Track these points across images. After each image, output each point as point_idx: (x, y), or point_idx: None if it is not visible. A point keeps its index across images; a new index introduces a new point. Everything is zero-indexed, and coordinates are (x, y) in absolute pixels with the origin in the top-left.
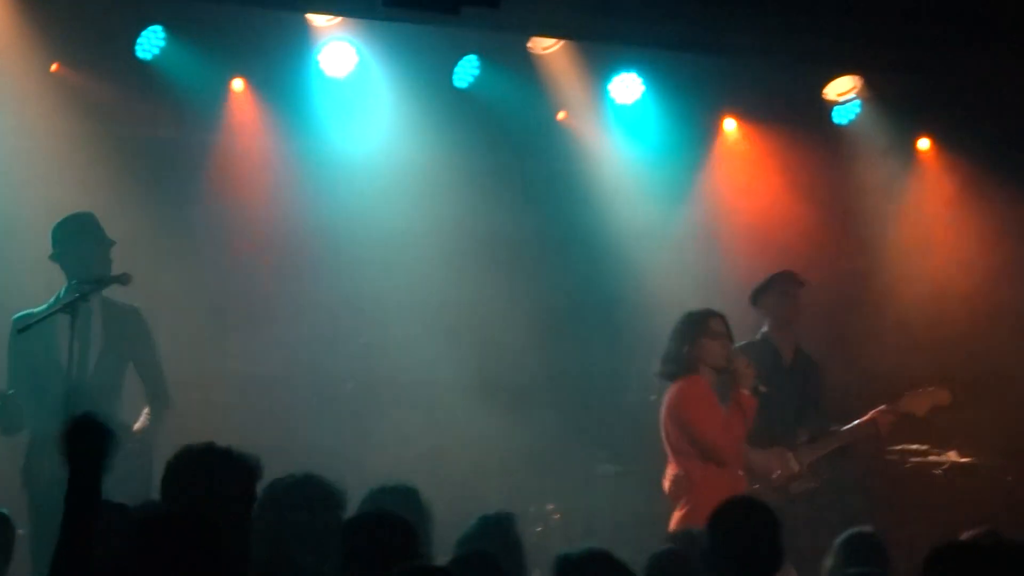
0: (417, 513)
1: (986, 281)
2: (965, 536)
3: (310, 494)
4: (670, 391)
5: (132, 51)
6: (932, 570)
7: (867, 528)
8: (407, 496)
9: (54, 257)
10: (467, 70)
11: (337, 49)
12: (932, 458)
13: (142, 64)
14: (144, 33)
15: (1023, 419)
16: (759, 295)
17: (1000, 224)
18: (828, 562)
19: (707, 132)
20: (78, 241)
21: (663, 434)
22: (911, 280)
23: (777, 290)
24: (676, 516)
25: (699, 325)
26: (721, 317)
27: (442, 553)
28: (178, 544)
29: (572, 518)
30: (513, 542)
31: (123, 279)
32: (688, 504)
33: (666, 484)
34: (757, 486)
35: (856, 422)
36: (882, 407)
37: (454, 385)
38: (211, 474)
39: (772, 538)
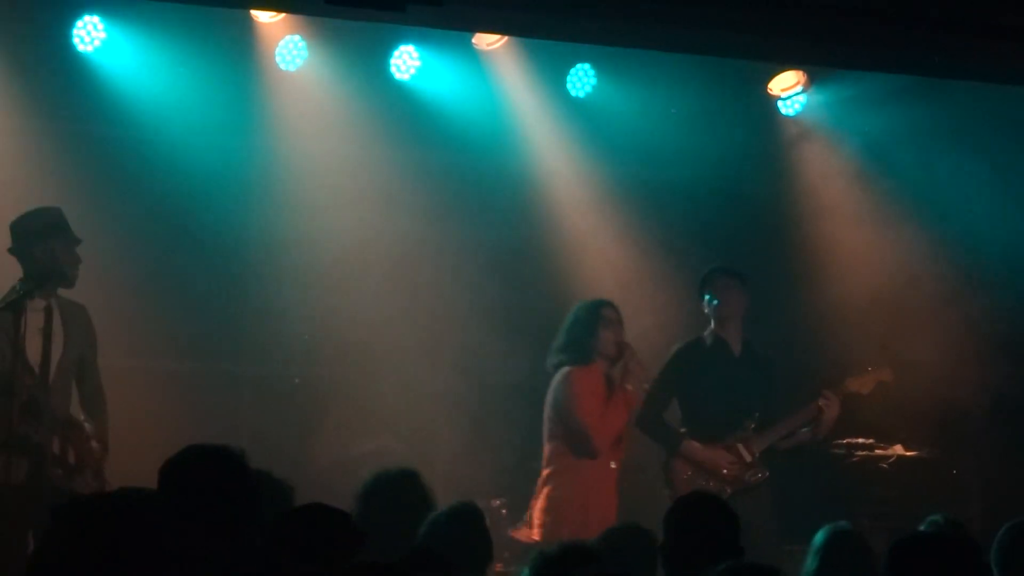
0: (419, 497)
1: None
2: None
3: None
4: (557, 377)
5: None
6: (897, 563)
7: (845, 524)
8: (409, 480)
9: (14, 251)
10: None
11: (288, 44)
12: (878, 452)
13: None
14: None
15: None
16: (700, 291)
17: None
18: (809, 564)
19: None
20: (45, 237)
21: (544, 419)
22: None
23: (715, 285)
24: (539, 505)
25: (593, 314)
26: (613, 306)
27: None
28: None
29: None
30: (480, 532)
31: (71, 280)
32: (555, 491)
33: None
34: (712, 483)
35: (801, 409)
36: (826, 391)
37: (405, 383)
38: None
39: (729, 532)
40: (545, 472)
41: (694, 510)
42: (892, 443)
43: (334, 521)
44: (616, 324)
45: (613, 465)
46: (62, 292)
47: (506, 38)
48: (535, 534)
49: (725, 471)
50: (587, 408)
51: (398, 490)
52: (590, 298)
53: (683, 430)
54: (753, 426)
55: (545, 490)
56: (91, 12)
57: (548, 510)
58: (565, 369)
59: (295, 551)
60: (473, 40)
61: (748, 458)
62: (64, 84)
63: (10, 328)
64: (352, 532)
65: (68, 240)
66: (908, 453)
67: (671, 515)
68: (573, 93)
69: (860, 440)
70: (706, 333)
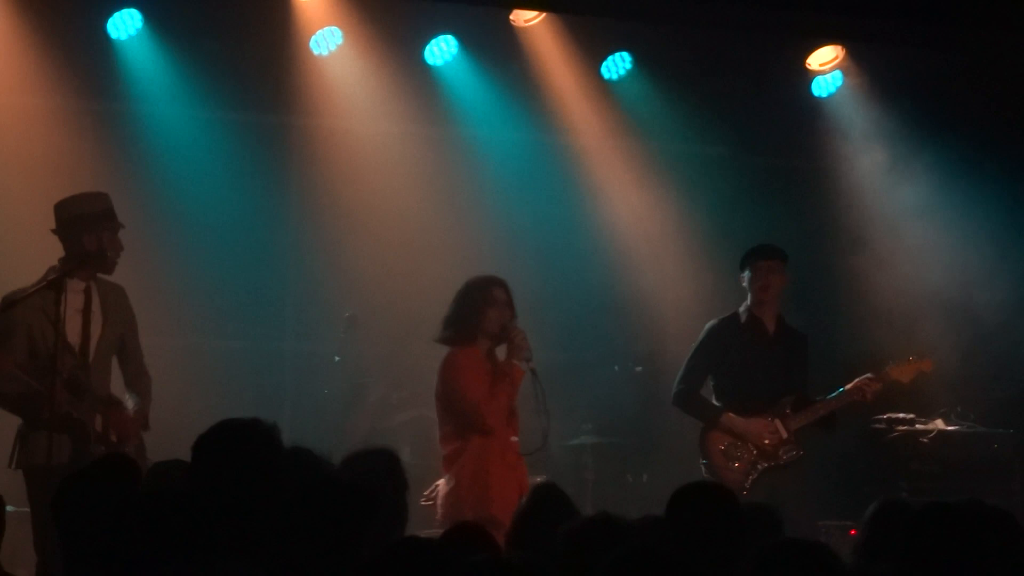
0: (395, 476)
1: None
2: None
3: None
4: (444, 358)
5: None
6: (918, 532)
7: (901, 495)
8: (387, 459)
9: (60, 233)
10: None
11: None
12: (919, 426)
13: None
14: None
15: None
16: (741, 268)
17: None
18: (862, 537)
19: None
20: (95, 224)
21: (435, 401)
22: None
23: (756, 263)
24: (442, 485)
25: (481, 293)
26: (503, 286)
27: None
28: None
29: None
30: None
31: (109, 267)
32: (457, 470)
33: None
34: (747, 456)
35: (842, 389)
36: (868, 375)
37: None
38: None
39: (731, 519)
40: (445, 452)
41: (698, 497)
42: (932, 418)
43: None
44: (503, 305)
45: (514, 439)
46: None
47: (543, 15)
48: (439, 514)
49: (766, 442)
50: (474, 387)
51: (377, 470)
52: (482, 275)
53: (715, 402)
54: (789, 404)
55: (448, 469)
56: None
57: (450, 492)
58: (448, 351)
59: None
60: (511, 17)
61: (784, 435)
62: (99, 67)
63: (51, 308)
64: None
65: (114, 228)
66: (948, 428)
67: (674, 501)
68: (607, 76)
69: (901, 415)
70: (741, 309)
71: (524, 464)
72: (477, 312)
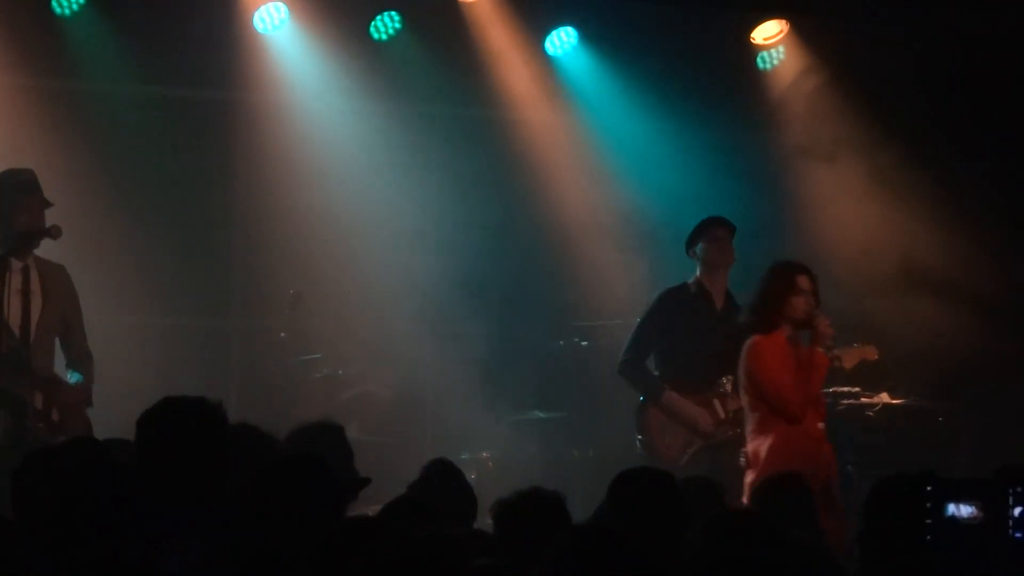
0: (340, 450)
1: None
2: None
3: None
4: (747, 345)
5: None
6: (876, 502)
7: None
8: (332, 433)
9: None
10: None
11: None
12: (864, 400)
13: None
14: None
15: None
16: (690, 241)
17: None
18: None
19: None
20: (13, 196)
21: (742, 392)
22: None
23: (707, 235)
24: (749, 474)
25: (785, 280)
26: (808, 273)
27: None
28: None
29: (504, 464)
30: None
31: (53, 232)
32: (761, 461)
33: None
34: (683, 434)
35: None
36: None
37: (383, 330)
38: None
39: (674, 505)
40: (754, 438)
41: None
42: (878, 392)
43: (319, 473)
44: (808, 293)
45: (820, 425)
46: (45, 252)
47: None
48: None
49: (702, 423)
50: (778, 375)
51: (322, 444)
52: (786, 260)
53: (656, 373)
54: (730, 383)
55: (758, 457)
56: None
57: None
58: (751, 339)
59: (277, 503)
60: None
61: (722, 415)
62: (42, 44)
63: None
64: (336, 485)
65: (39, 202)
66: (894, 401)
67: (614, 488)
68: (551, 52)
69: (846, 389)
70: (691, 280)
71: (831, 451)
72: (781, 299)
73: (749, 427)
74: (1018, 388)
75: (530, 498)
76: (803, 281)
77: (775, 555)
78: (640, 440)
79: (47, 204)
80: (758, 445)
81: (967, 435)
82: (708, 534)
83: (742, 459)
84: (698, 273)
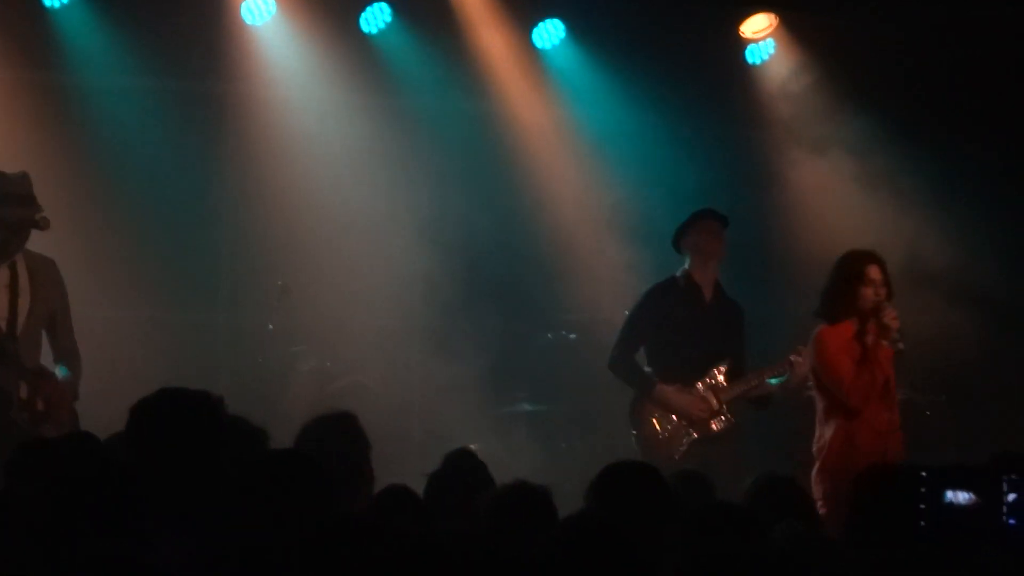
0: (358, 443)
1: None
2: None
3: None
4: (814, 335)
5: None
6: (860, 492)
7: (782, 472)
8: (349, 425)
9: None
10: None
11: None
12: None
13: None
14: None
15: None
16: (680, 233)
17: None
18: None
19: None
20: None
21: (812, 379)
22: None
23: (697, 227)
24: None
25: (855, 270)
26: (879, 263)
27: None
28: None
29: (492, 457)
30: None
31: (42, 223)
32: (826, 453)
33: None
34: (679, 427)
35: (773, 362)
36: (799, 347)
37: (372, 322)
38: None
39: (658, 498)
40: (819, 427)
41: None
42: None
43: (306, 468)
44: (878, 284)
45: (888, 416)
46: (32, 243)
47: None
48: (816, 492)
49: (697, 415)
50: (839, 367)
51: (337, 435)
52: (857, 249)
53: (647, 369)
54: (722, 374)
55: (822, 448)
56: None
57: (819, 471)
58: (818, 328)
59: (266, 498)
60: None
61: (716, 405)
62: (31, 36)
63: None
64: (324, 480)
65: (32, 209)
66: None
67: (597, 482)
68: (539, 45)
69: None
70: (679, 274)
71: (900, 441)
72: (850, 290)
73: (817, 416)
74: (1013, 383)
75: (516, 491)
76: (873, 271)
77: (754, 548)
78: (635, 435)
79: (38, 210)
80: (822, 434)
81: (954, 429)
82: (689, 527)
83: (813, 447)
84: (687, 266)
